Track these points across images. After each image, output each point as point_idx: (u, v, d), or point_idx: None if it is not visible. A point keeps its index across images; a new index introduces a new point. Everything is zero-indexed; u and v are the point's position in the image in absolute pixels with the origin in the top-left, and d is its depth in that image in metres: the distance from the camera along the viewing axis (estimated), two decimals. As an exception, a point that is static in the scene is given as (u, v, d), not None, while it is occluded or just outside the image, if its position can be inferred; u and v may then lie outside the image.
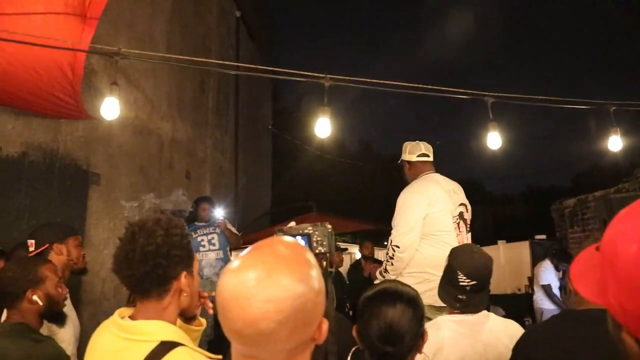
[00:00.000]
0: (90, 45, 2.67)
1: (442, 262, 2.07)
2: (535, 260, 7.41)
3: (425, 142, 3.45)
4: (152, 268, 1.26)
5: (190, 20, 7.98)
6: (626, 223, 0.64)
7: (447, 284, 1.96)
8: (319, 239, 1.81)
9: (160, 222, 1.32)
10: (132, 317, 1.32)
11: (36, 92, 3.05)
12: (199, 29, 8.43)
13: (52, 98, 3.16)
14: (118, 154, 5.50)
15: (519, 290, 8.28)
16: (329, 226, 1.85)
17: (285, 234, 1.81)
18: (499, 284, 8.99)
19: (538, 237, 8.54)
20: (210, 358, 1.27)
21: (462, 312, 1.92)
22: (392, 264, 3.13)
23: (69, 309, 2.29)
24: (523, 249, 9.27)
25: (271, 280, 0.79)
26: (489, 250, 10.46)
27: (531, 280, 7.06)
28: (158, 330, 1.25)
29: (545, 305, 6.20)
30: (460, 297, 1.90)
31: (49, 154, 4.37)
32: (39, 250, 2.39)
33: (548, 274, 6.15)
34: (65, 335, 2.13)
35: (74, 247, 2.50)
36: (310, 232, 1.83)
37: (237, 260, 0.85)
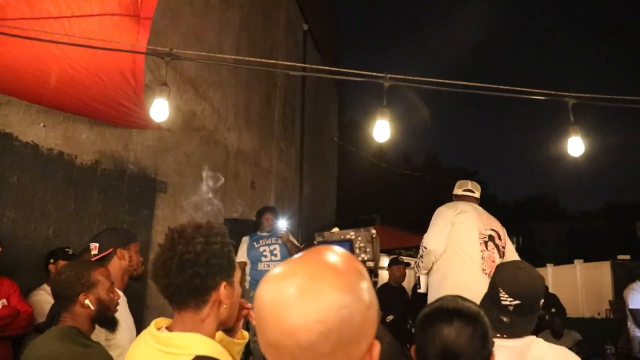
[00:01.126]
0: (149, 48, 2.71)
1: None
2: (618, 282, 6.81)
3: (474, 182, 3.99)
4: (190, 277, 1.21)
5: (258, 33, 8.15)
6: None
7: (489, 302, 1.77)
8: (361, 244, 1.70)
9: (201, 229, 1.27)
10: (169, 329, 1.27)
11: (103, 99, 3.16)
12: (266, 42, 8.58)
13: (119, 106, 3.26)
14: (185, 163, 5.65)
15: (599, 314, 7.65)
16: (374, 231, 1.73)
17: (326, 240, 1.72)
18: (575, 307, 8.38)
19: (621, 257, 7.88)
20: None
21: (505, 335, 1.71)
22: (422, 262, 3.56)
23: (125, 314, 2.31)
24: (604, 269, 8.61)
25: (315, 287, 0.70)
26: (564, 269, 9.86)
27: (612, 304, 6.48)
28: (194, 344, 1.19)
29: (638, 333, 5.67)
30: (503, 318, 1.71)
31: (119, 163, 4.55)
32: (102, 255, 2.44)
33: (638, 297, 5.61)
34: (121, 341, 2.15)
35: (135, 253, 2.54)
36: (353, 237, 1.72)
37: (279, 267, 0.77)
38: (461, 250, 3.40)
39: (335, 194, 15.47)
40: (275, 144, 9.11)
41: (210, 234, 1.26)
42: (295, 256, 0.80)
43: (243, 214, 7.17)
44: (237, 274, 1.34)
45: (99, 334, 1.96)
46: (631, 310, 5.60)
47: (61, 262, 3.27)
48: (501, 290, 1.73)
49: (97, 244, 2.43)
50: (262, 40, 8.37)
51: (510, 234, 5.97)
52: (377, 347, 0.76)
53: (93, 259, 2.38)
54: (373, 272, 1.68)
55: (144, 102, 3.18)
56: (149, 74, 4.51)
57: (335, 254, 0.77)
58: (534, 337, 1.72)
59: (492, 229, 3.57)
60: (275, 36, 9.15)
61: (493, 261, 3.42)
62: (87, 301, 1.84)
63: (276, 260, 5.18)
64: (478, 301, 3.47)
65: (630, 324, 5.76)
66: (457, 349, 1.20)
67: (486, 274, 3.34)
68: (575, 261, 9.67)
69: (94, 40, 2.38)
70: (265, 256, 5.11)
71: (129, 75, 2.80)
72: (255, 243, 5.22)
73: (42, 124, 3.72)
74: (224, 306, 1.28)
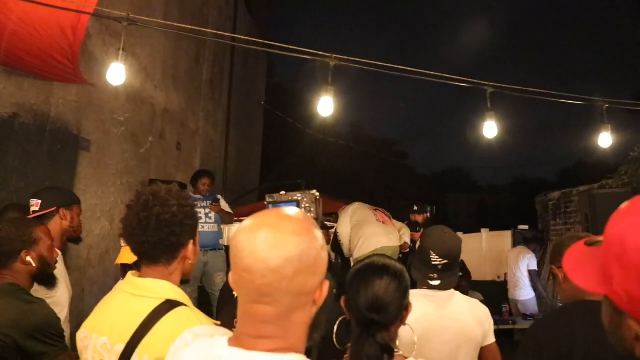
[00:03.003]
0: (97, 9, 2.62)
1: None
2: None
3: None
4: (167, 235, 1.33)
5: (189, -12, 7.86)
6: (628, 219, 0.70)
7: (420, 264, 2.06)
8: (307, 205, 1.86)
9: (172, 193, 1.39)
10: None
11: (33, 51, 3.00)
12: (197, -1, 8.30)
13: (49, 59, 3.11)
14: (110, 121, 5.46)
15: (499, 277, 8.43)
16: (317, 193, 1.90)
17: (275, 201, 1.85)
18: (479, 271, 9.14)
19: (521, 227, 8.68)
20: (210, 321, 1.35)
21: (434, 289, 2.01)
22: (344, 246, 5.14)
23: (63, 273, 2.31)
24: (505, 238, 9.41)
25: (281, 229, 0.89)
26: (472, 237, 10.64)
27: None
28: (165, 289, 1.33)
29: (515, 297, 6.43)
30: (432, 275, 2.00)
31: (40, 117, 4.32)
32: (43, 212, 2.38)
33: (534, 261, 6.36)
34: (61, 299, 2.15)
35: (77, 215, 2.51)
36: (299, 198, 1.87)
37: (250, 219, 0.95)
38: (361, 216, 5.02)
39: (260, 158, 15.46)
40: (203, 105, 8.95)
41: (181, 197, 1.40)
42: (263, 212, 0.98)
43: (168, 175, 7.07)
44: (198, 234, 1.48)
45: (37, 292, 1.96)
46: (531, 272, 6.30)
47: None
48: (432, 253, 2.00)
49: (40, 201, 2.37)
50: (193, -4, 8.08)
51: (426, 204, 6.43)
52: (326, 285, 0.95)
53: (32, 216, 2.33)
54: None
55: (78, 58, 3.06)
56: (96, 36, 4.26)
57: (294, 211, 0.97)
58: (454, 290, 2.02)
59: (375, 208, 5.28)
60: (207, -7, 8.86)
61: (383, 214, 5.18)
62: (28, 258, 1.84)
63: (211, 222, 5.30)
64: (377, 235, 4.87)
65: (511, 288, 6.52)
66: (386, 298, 1.39)
67: (379, 220, 5.02)
68: (482, 230, 10.48)
69: None
70: (201, 218, 5.15)
71: (68, 31, 2.68)
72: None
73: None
74: (190, 262, 1.43)
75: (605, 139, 4.29)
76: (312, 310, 0.95)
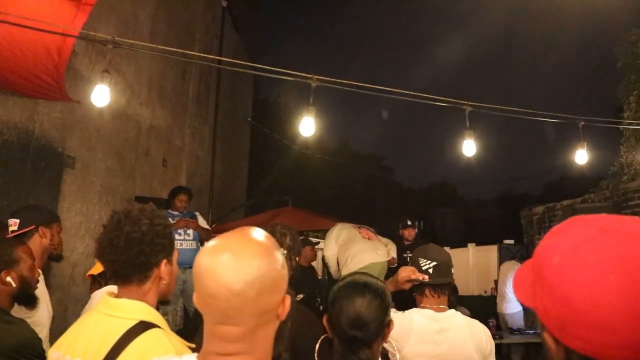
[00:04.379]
0: (82, 32, 2.63)
1: None
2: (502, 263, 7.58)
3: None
4: (135, 254, 1.33)
5: (176, 5, 7.91)
6: (553, 238, 0.75)
7: None
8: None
9: (145, 212, 1.39)
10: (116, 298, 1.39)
11: (17, 70, 2.99)
12: (184, 15, 8.35)
13: (34, 78, 3.10)
14: (95, 138, 5.43)
15: (485, 292, 8.48)
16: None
17: None
18: (466, 286, 9.18)
19: (506, 241, 8.76)
20: (183, 343, 1.34)
21: (430, 294, 2.03)
22: (331, 268, 5.25)
23: (44, 292, 2.28)
24: (491, 252, 9.45)
25: (242, 253, 0.92)
26: (459, 252, 10.69)
27: (497, 283, 7.23)
28: (139, 310, 1.33)
29: (503, 310, 6.46)
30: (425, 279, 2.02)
31: (24, 134, 4.29)
32: (22, 231, 2.34)
33: None
34: (41, 319, 2.12)
35: (57, 233, 2.48)
36: None
37: (213, 241, 0.98)
38: (347, 236, 5.14)
39: (247, 174, 15.44)
40: (189, 122, 8.95)
41: (154, 216, 1.40)
42: (225, 234, 0.99)
43: (154, 191, 7.02)
44: (175, 254, 1.48)
45: (17, 312, 1.93)
46: None
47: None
48: (420, 259, 2.06)
49: (18, 220, 2.34)
50: (180, 13, 8.13)
51: (412, 218, 6.47)
52: (288, 299, 0.99)
53: (11, 235, 2.30)
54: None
55: (63, 77, 3.07)
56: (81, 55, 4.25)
57: (254, 232, 1.00)
58: (455, 310, 2.04)
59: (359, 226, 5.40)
60: (194, 10, 8.92)
61: (367, 231, 5.31)
62: (8, 278, 1.81)
63: (189, 240, 5.22)
64: (365, 252, 4.92)
65: (500, 302, 6.55)
66: (368, 316, 1.41)
67: (365, 237, 5.11)
68: (469, 244, 10.55)
69: (27, 19, 2.26)
70: (180, 234, 5.11)
71: (54, 52, 2.68)
72: (167, 222, 5.19)
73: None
74: (164, 282, 1.42)
75: (581, 156, 4.38)
76: (276, 324, 0.99)
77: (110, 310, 1.33)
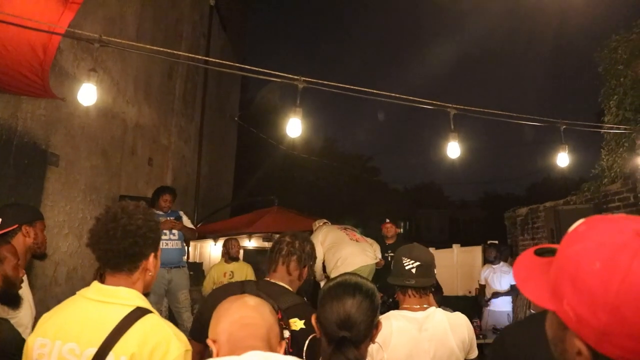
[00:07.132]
0: (69, 30, 2.61)
1: None
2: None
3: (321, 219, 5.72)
4: (130, 245, 1.43)
5: (163, 3, 7.86)
6: (583, 242, 0.71)
7: (396, 272, 2.13)
8: None
9: (139, 208, 1.51)
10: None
11: (0, 67, 2.95)
12: (171, 14, 8.30)
13: (17, 75, 3.06)
14: (80, 136, 5.38)
15: (470, 292, 8.54)
16: None
17: None
18: (451, 286, 9.24)
19: (491, 242, 8.85)
20: (176, 328, 1.44)
21: (413, 294, 2.06)
22: (316, 272, 4.82)
23: (27, 292, 2.26)
24: (476, 253, 9.54)
25: (254, 304, 1.28)
26: (444, 252, 10.75)
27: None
28: (135, 297, 1.43)
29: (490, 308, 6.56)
30: (408, 281, 2.06)
31: (6, 131, 4.23)
32: (5, 230, 2.31)
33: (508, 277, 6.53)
34: (24, 320, 2.10)
35: (40, 231, 2.44)
36: None
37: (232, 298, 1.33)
38: (334, 239, 5.02)
39: (233, 173, 15.40)
40: (175, 121, 8.90)
41: (147, 213, 1.51)
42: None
43: (139, 190, 6.97)
44: (159, 249, 1.57)
45: (0, 312, 1.91)
46: (512, 286, 6.45)
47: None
48: (403, 259, 2.09)
49: (0, 219, 2.30)
50: (167, 11, 8.08)
51: (398, 219, 6.54)
52: (284, 343, 1.25)
53: None
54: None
55: (48, 75, 3.03)
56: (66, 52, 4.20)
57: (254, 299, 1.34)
58: (435, 307, 2.07)
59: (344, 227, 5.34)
60: (181, 9, 8.87)
61: (353, 232, 5.25)
62: (-8, 278, 1.80)
63: (174, 239, 5.18)
64: (354, 255, 4.85)
65: (488, 300, 6.65)
66: (358, 316, 1.42)
67: (352, 239, 5.04)
68: (454, 245, 10.61)
69: (13, 17, 2.23)
70: (165, 234, 5.07)
71: (39, 49, 2.65)
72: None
73: None
74: (150, 273, 1.52)
75: (563, 159, 4.46)
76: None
77: (104, 297, 1.41)
